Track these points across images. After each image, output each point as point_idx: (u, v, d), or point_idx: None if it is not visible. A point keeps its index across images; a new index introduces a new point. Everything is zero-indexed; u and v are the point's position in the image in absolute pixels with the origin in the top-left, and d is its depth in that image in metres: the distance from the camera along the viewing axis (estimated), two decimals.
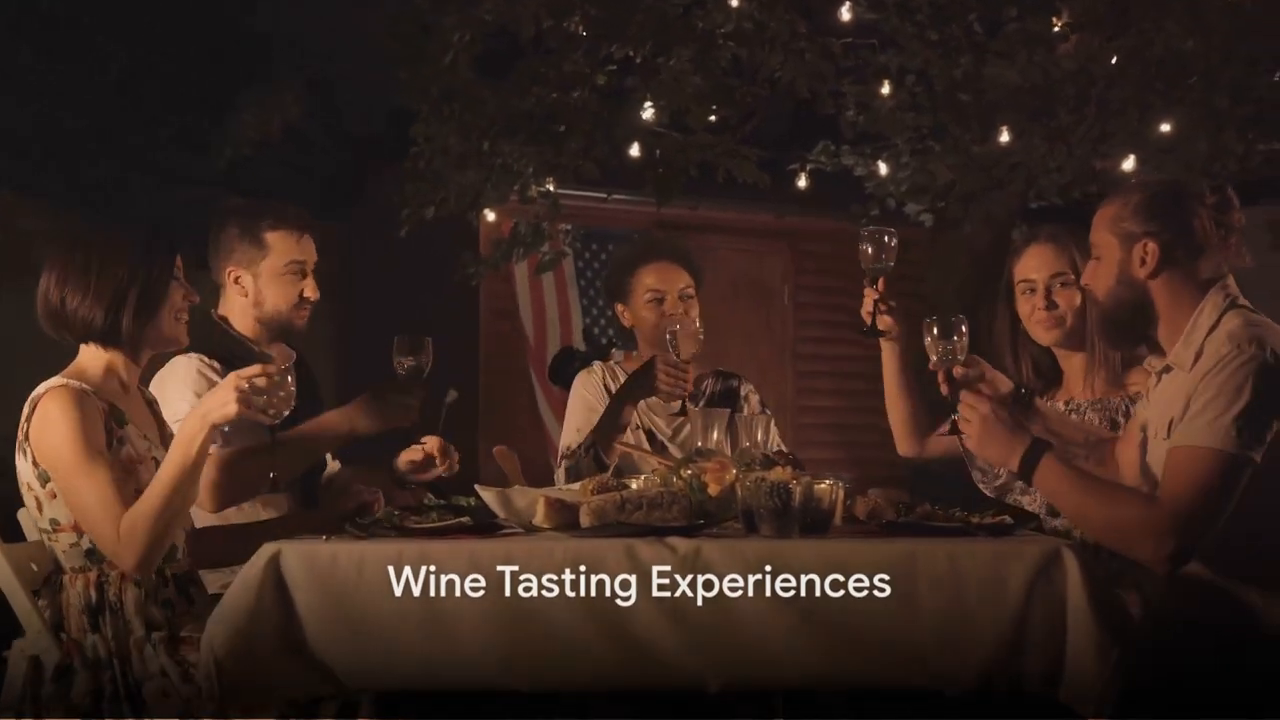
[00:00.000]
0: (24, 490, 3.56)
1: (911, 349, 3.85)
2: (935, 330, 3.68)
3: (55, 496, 3.50)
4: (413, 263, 8.62)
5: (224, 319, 4.32)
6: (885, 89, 7.90)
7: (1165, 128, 6.89)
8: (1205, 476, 3.17)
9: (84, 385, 3.51)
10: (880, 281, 3.96)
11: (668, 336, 4.41)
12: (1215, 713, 3.24)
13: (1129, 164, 7.24)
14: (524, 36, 7.70)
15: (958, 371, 3.67)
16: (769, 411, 4.74)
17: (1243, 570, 3.31)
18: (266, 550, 3.20)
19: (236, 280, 4.30)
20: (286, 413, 3.46)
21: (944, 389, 3.67)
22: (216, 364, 4.12)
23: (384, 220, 8.32)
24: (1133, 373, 4.06)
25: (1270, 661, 3.25)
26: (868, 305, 4.01)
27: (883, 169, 8.22)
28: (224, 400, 3.37)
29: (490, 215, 8.75)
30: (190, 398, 3.97)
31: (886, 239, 3.91)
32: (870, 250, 3.91)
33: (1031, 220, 8.80)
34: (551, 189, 8.23)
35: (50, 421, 3.44)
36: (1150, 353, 3.64)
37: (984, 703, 3.22)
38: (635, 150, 7.78)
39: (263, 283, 4.29)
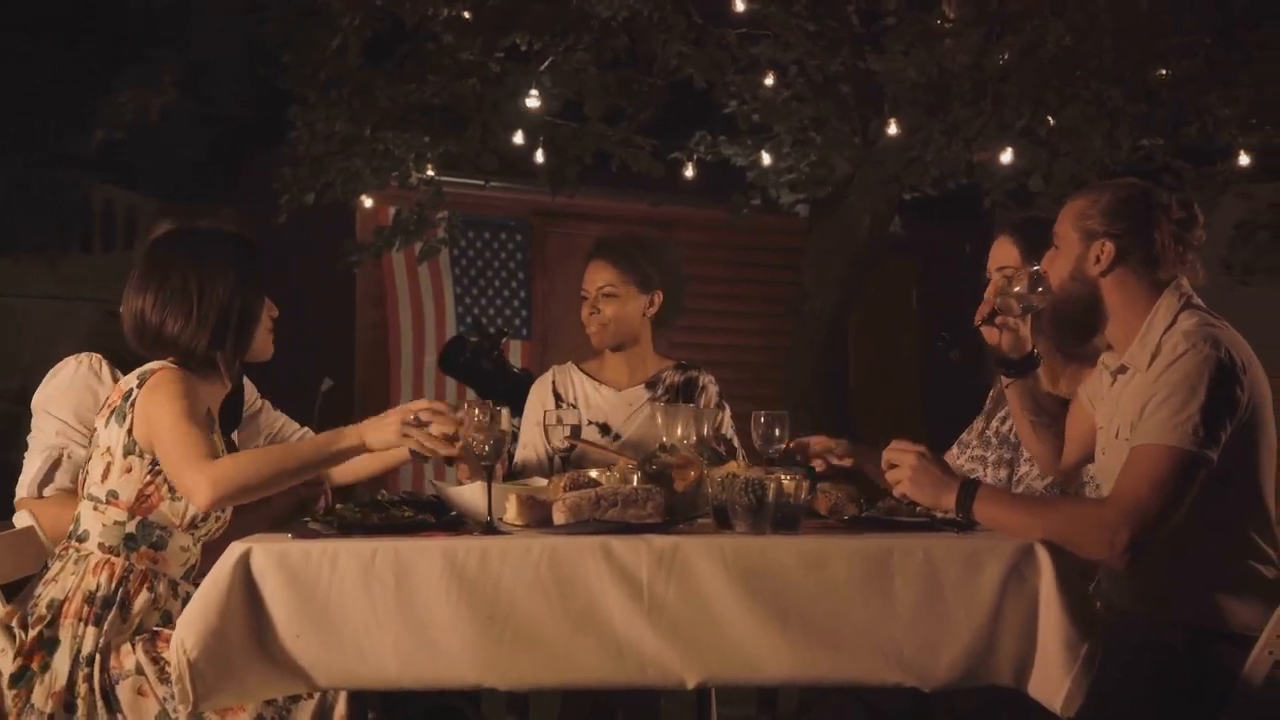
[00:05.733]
0: (98, 454, 3.52)
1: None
2: (1026, 278, 3.66)
3: (130, 471, 3.47)
4: (286, 249, 8.47)
5: None
6: (769, 80, 7.96)
7: (1061, 123, 7.01)
8: (1159, 472, 3.23)
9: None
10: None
11: None
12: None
13: (1007, 156, 7.36)
14: (410, 23, 7.65)
15: (1012, 322, 3.72)
16: (725, 403, 4.78)
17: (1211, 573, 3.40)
18: (236, 549, 3.15)
19: None
20: (449, 453, 3.46)
21: (985, 330, 3.74)
22: (108, 366, 4.03)
23: (257, 205, 8.18)
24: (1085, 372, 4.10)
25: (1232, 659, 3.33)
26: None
27: (766, 159, 8.29)
28: (387, 429, 3.42)
29: (368, 202, 8.69)
30: (70, 401, 3.95)
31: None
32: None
33: (909, 212, 8.95)
34: (432, 174, 8.19)
35: (163, 386, 3.45)
36: (1101, 350, 3.69)
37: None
38: (530, 139, 7.77)
39: None
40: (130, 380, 3.53)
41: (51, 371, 4.02)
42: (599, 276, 4.76)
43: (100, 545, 3.48)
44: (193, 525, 3.54)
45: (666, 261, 4.82)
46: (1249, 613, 3.34)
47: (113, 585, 3.43)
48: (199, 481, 3.34)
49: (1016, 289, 3.68)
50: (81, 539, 3.50)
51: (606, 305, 4.75)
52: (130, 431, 3.46)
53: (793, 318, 8.92)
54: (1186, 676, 3.34)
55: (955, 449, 4.29)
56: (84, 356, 4.01)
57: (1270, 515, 3.42)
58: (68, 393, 3.96)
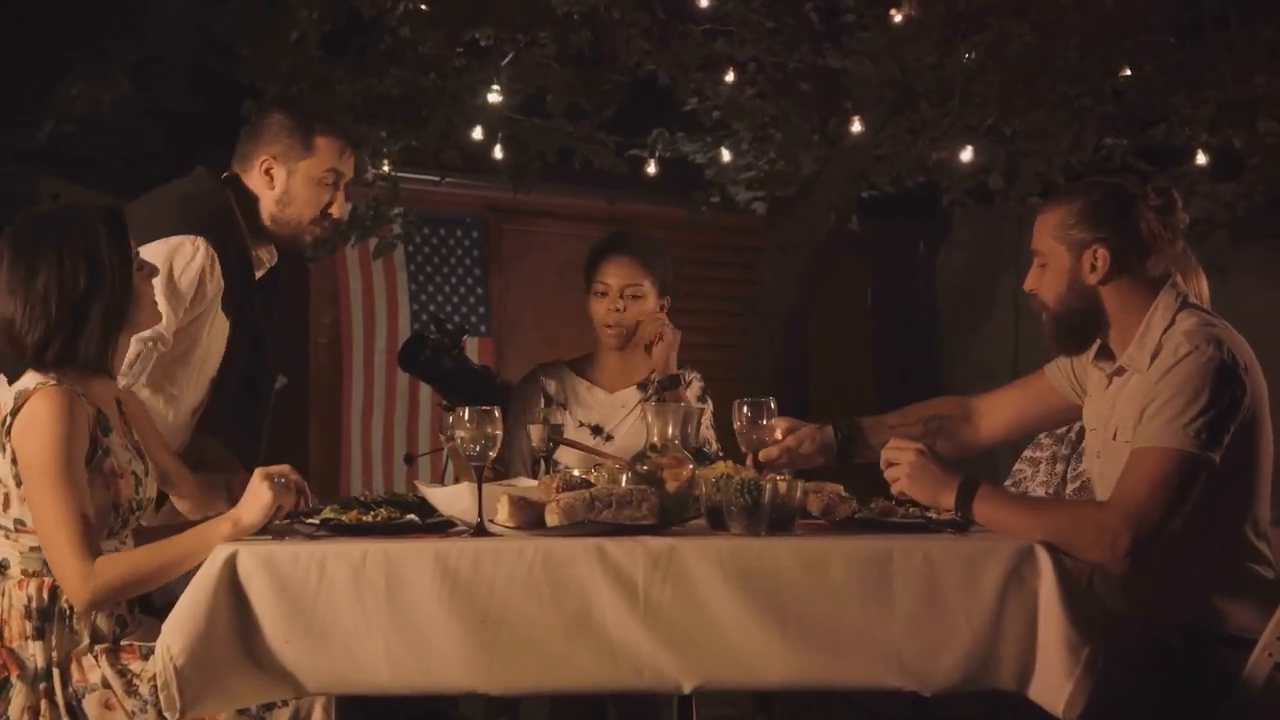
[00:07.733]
0: None
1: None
2: (747, 413, 3.71)
3: (27, 500, 3.26)
4: None
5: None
6: (730, 77, 7.92)
7: (1028, 124, 7.01)
8: (1161, 475, 3.21)
9: (76, 386, 3.28)
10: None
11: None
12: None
13: (967, 154, 7.35)
14: (369, 16, 7.57)
15: (763, 455, 3.71)
16: (709, 400, 4.70)
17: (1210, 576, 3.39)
18: (222, 552, 3.07)
19: (268, 171, 4.06)
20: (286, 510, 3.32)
21: (753, 470, 3.65)
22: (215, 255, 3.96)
23: None
24: None
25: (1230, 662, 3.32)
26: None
27: (725, 156, 8.25)
28: (261, 507, 3.21)
29: None
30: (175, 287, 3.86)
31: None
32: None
33: (864, 210, 8.92)
34: (388, 169, 8.11)
35: (38, 423, 3.20)
36: (1101, 354, 3.64)
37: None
38: (491, 135, 7.70)
39: (296, 182, 4.06)
40: (6, 401, 3.29)
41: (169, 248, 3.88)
42: (624, 273, 4.62)
43: (24, 571, 3.31)
44: (112, 533, 3.36)
45: (671, 265, 4.74)
46: (1247, 614, 3.33)
47: (44, 596, 3.28)
48: (75, 587, 3.20)
49: (739, 427, 3.73)
50: (4, 567, 3.33)
51: (631, 305, 4.64)
52: (14, 461, 3.26)
53: (752, 316, 8.88)
54: (1185, 679, 3.32)
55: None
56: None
57: (1267, 516, 3.41)
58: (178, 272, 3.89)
